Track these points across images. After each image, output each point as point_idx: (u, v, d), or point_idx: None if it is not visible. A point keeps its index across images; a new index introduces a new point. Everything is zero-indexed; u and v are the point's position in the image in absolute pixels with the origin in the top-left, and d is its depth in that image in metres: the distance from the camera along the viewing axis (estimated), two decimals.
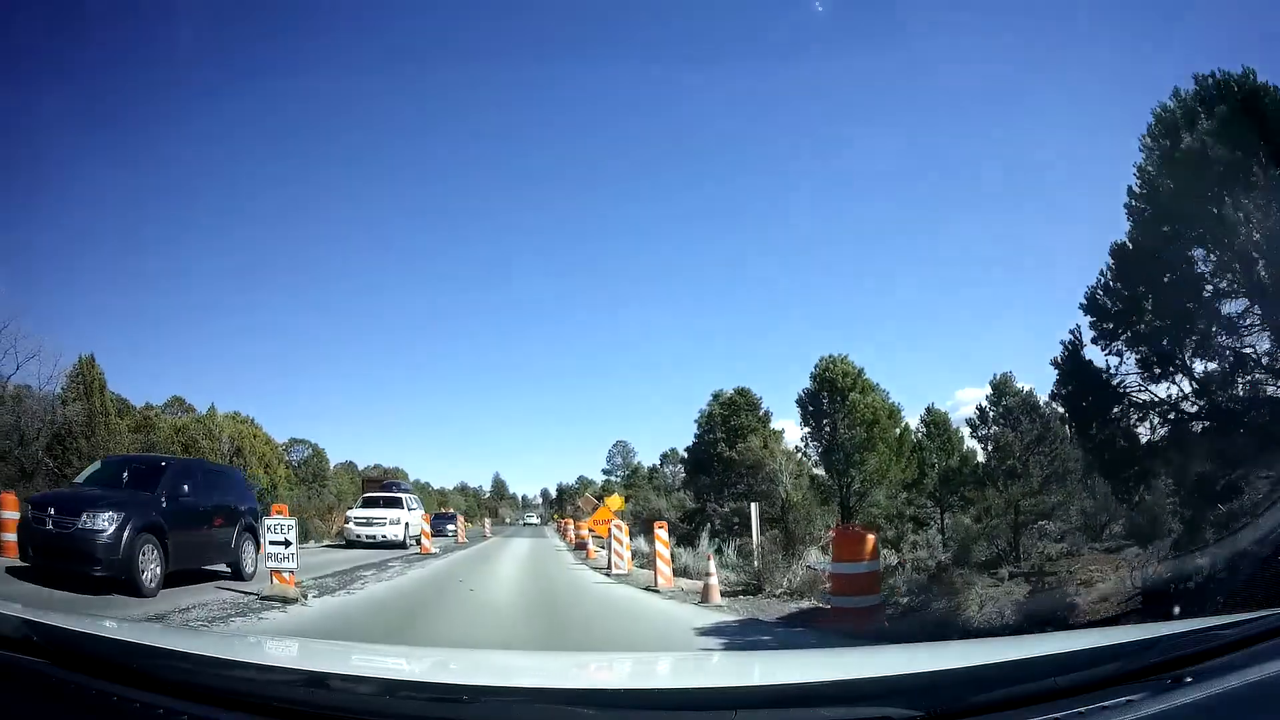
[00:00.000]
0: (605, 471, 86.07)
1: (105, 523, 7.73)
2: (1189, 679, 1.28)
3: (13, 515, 10.24)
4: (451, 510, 42.62)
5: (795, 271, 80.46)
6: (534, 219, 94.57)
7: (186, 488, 9.24)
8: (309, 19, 56.97)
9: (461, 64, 59.46)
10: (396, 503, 22.15)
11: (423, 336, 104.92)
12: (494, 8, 59.21)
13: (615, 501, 23.07)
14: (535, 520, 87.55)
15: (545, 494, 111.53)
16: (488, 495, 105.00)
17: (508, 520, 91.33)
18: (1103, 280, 7.71)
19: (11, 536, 9.56)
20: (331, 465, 52.75)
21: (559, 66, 58.88)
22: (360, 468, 57.68)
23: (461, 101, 74.91)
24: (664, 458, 64.60)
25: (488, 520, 35.74)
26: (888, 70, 54.12)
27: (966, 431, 25.35)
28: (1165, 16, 32.71)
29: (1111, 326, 7.56)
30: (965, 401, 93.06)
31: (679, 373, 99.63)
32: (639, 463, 78.96)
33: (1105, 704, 1.24)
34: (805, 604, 9.07)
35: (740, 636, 7.33)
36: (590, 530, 21.76)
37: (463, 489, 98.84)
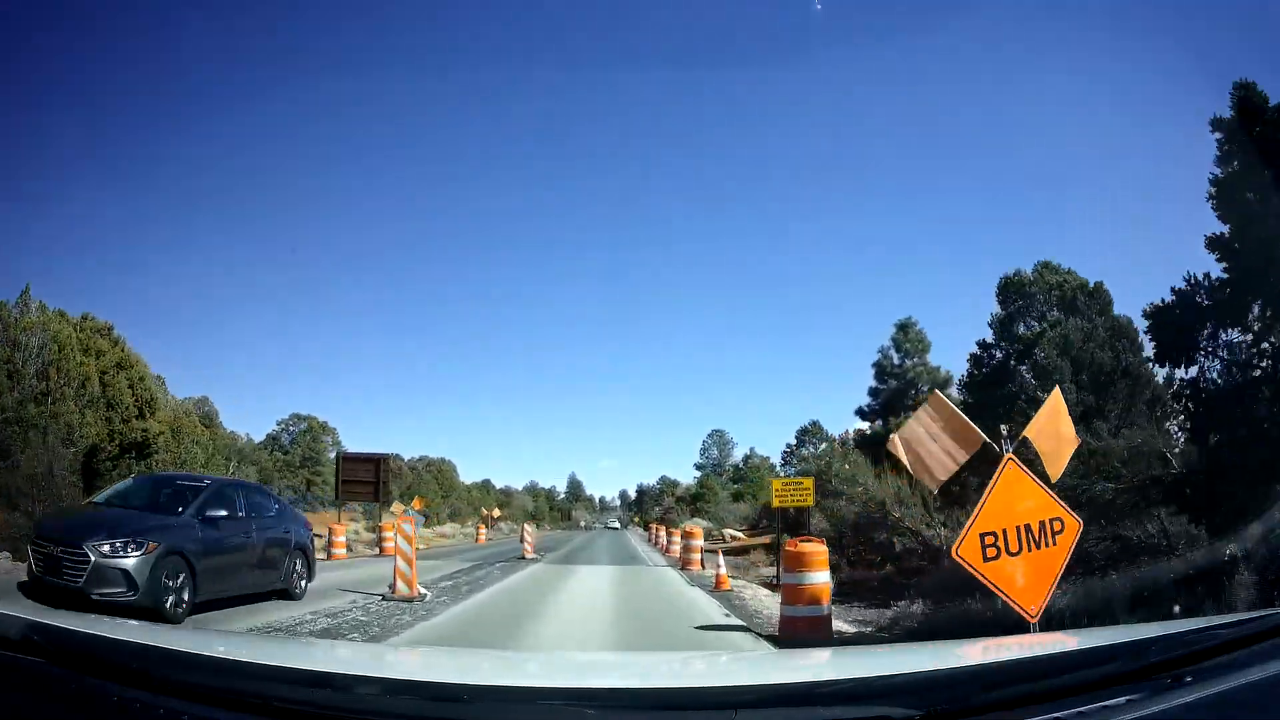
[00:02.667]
0: (698, 466, 75.11)
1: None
2: (1189, 679, 1.28)
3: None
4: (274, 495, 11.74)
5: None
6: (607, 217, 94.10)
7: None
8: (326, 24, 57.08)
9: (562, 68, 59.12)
10: None
11: (504, 342, 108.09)
12: (508, 15, 59.32)
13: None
14: (616, 524, 78.04)
15: (624, 495, 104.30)
16: (562, 497, 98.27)
17: (583, 524, 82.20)
18: None
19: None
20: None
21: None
22: (406, 459, 49.10)
23: (544, 102, 75.38)
24: (804, 434, 49.86)
25: (528, 527, 21.22)
26: None
27: None
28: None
29: None
30: None
31: (766, 370, 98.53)
32: (751, 451, 66.87)
33: (1105, 704, 1.24)
34: None
35: None
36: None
37: (533, 489, 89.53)
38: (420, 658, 2.60)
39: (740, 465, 67.15)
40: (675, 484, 78.70)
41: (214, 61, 60.18)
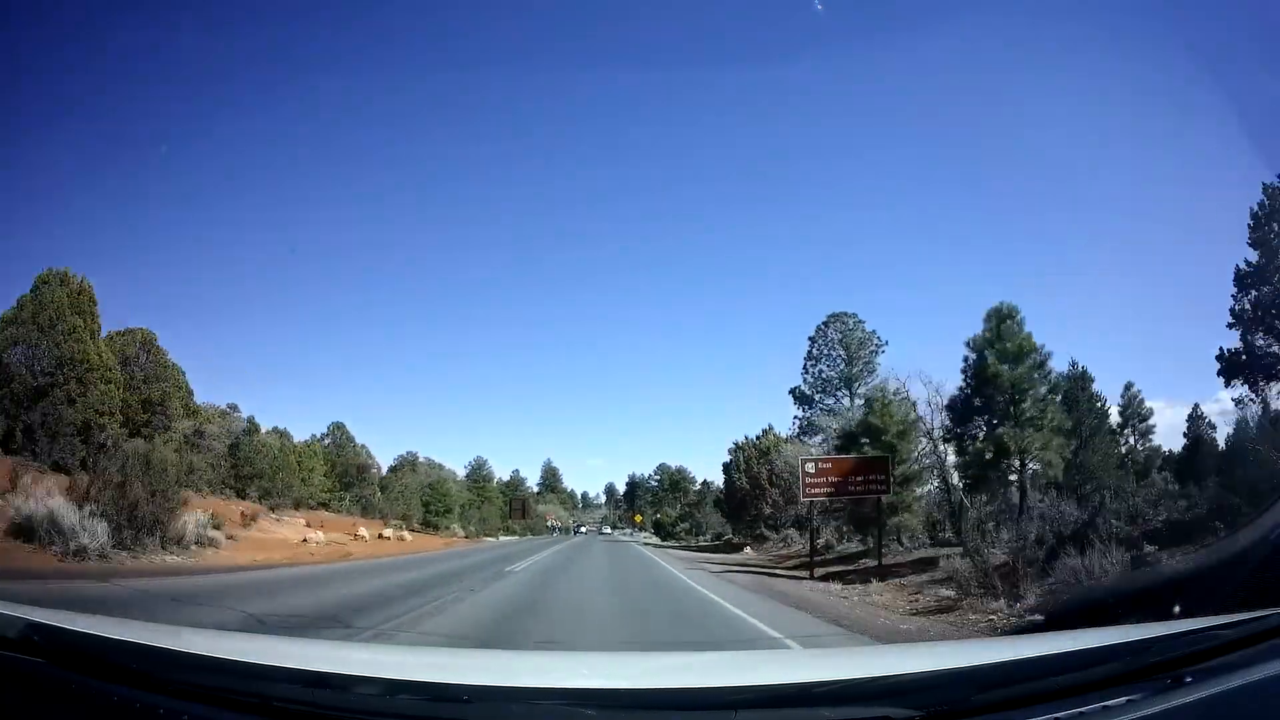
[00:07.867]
0: (798, 396, 37.15)
1: None
2: (1189, 679, 1.28)
3: None
4: None
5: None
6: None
7: None
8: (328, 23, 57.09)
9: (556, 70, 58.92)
10: None
11: (497, 338, 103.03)
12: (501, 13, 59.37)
13: None
14: (609, 529, 61.31)
15: (610, 490, 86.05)
16: (534, 490, 72.23)
17: (552, 525, 61.21)
18: None
19: None
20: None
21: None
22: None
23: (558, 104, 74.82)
24: None
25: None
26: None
27: None
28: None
29: None
30: None
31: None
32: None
33: (1105, 704, 1.24)
34: None
35: None
36: None
37: (477, 474, 57.58)
38: (420, 658, 2.60)
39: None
40: (678, 472, 58.82)
41: (212, 62, 60.42)
